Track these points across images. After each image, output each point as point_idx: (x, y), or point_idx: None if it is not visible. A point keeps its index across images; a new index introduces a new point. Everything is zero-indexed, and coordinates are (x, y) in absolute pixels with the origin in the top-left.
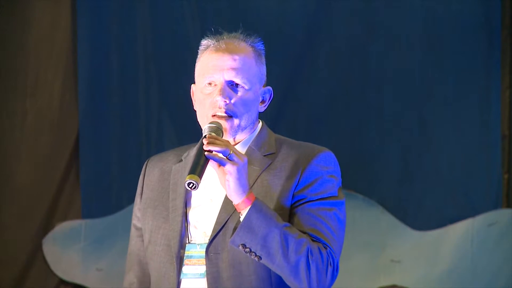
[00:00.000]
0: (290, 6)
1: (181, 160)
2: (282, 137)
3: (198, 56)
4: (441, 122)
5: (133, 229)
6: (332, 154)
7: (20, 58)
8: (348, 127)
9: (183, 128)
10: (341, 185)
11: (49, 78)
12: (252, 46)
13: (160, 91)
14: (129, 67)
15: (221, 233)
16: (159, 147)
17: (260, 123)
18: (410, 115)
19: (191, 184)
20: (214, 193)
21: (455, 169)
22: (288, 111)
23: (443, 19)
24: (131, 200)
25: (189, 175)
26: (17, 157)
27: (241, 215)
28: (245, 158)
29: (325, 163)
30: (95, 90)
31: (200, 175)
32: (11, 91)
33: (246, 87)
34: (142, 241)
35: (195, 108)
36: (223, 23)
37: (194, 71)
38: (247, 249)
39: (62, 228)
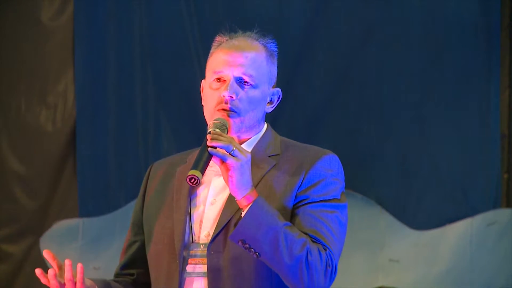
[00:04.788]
0: (288, 5)
1: (185, 162)
2: (287, 139)
3: (211, 51)
4: (440, 122)
5: (130, 229)
6: (337, 157)
7: (16, 56)
8: (347, 126)
9: (180, 126)
10: (344, 189)
11: (45, 76)
12: (265, 46)
13: (157, 89)
14: (126, 65)
15: (222, 232)
16: (156, 145)
17: (266, 124)
18: (409, 114)
19: (193, 180)
20: (217, 195)
21: (454, 169)
22: (286, 111)
23: (442, 19)
24: (128, 199)
25: (191, 170)
26: (13, 155)
27: (243, 211)
28: (249, 154)
29: (330, 166)
30: (92, 87)
31: (203, 171)
32: (6, 88)
33: (254, 85)
34: (139, 241)
35: (202, 103)
36: (220, 21)
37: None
38: (246, 245)
39: (59, 226)
